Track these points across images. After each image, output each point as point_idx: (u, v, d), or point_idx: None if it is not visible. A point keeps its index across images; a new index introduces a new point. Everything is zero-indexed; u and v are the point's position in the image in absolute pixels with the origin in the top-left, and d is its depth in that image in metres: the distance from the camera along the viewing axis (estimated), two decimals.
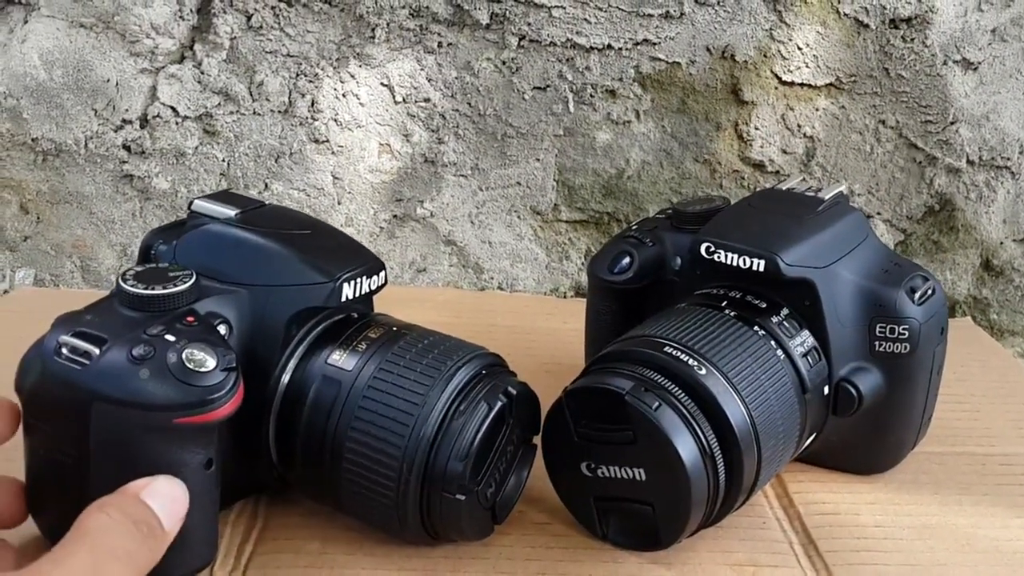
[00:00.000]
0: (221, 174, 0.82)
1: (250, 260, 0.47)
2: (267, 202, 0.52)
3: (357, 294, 0.48)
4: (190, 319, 0.43)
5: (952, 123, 0.84)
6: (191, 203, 0.50)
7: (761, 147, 0.84)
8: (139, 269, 0.45)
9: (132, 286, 0.43)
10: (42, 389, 0.42)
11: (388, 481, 0.44)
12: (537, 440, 0.49)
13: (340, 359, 0.46)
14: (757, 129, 0.84)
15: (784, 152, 0.85)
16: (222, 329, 0.45)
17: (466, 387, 0.45)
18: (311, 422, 0.46)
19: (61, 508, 0.42)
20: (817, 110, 0.84)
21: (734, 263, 0.52)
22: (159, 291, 0.43)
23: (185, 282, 0.44)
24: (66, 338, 0.41)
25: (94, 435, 0.41)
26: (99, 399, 0.40)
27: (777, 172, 0.85)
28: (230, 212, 0.49)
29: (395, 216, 0.85)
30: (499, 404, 0.45)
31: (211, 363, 0.41)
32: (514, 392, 0.46)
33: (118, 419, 0.40)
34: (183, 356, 0.41)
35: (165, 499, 0.39)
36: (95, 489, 0.41)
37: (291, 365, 0.47)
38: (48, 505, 0.44)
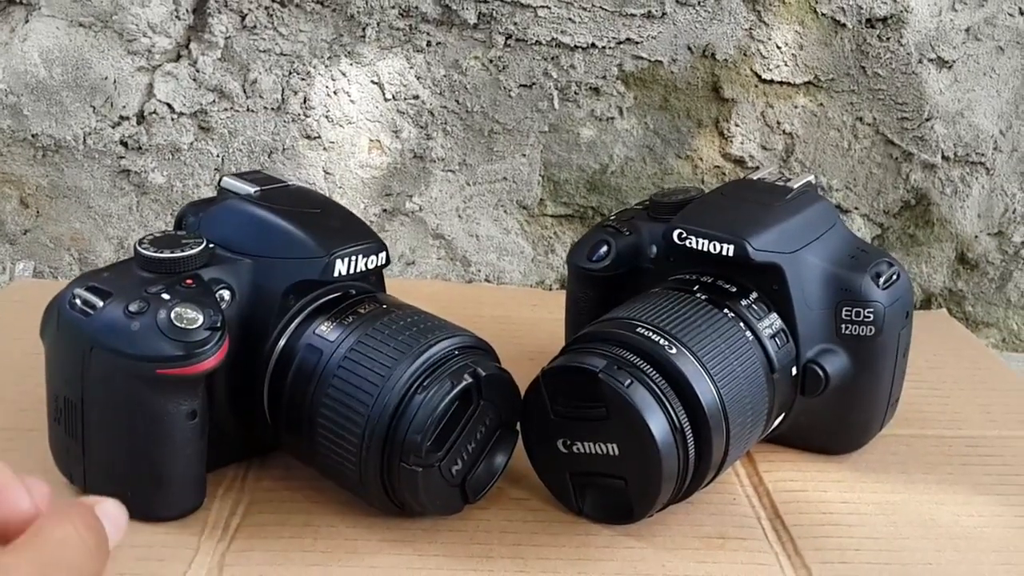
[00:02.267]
0: (215, 169, 0.84)
1: (255, 232, 0.50)
2: (291, 182, 0.55)
3: (351, 271, 0.50)
4: (189, 281, 0.46)
5: (927, 120, 0.86)
6: (220, 179, 0.54)
7: (741, 143, 0.86)
8: (157, 235, 0.49)
9: (145, 249, 0.47)
10: (56, 334, 0.46)
11: (352, 447, 0.46)
12: (513, 431, 0.50)
13: (327, 330, 0.49)
14: (737, 126, 0.86)
15: (764, 148, 0.87)
16: (225, 294, 0.48)
17: (435, 364, 0.46)
18: (294, 388, 0.48)
19: (67, 444, 0.48)
20: (796, 107, 0.86)
21: (705, 248, 0.54)
22: (166, 255, 0.47)
23: (193, 248, 0.48)
24: (79, 290, 0.46)
25: (90, 379, 0.45)
26: (97, 346, 0.44)
27: (757, 168, 0.86)
28: (250, 189, 0.52)
29: (385, 210, 0.86)
30: (463, 383, 0.46)
31: (198, 322, 0.45)
32: (483, 374, 0.46)
33: (111, 366, 0.44)
34: (172, 313, 0.44)
35: (111, 520, 0.38)
36: (89, 429, 0.46)
37: (286, 333, 0.49)
38: (58, 441, 0.48)
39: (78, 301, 0.45)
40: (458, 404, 0.46)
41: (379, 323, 0.48)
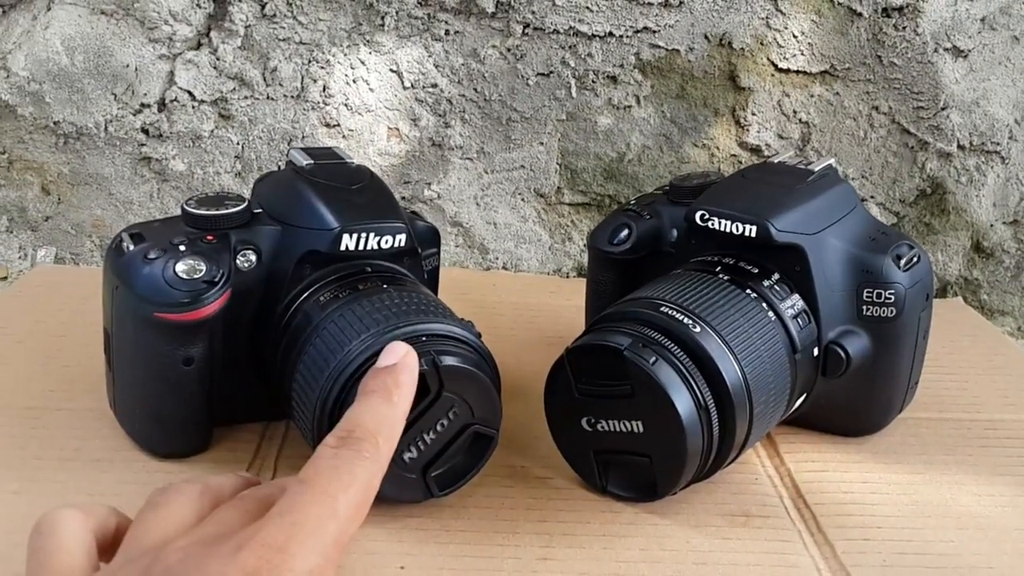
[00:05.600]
0: (236, 157, 0.84)
1: (285, 201, 0.52)
2: (354, 162, 0.56)
3: (362, 247, 0.51)
4: (210, 237, 0.49)
5: (943, 109, 0.86)
6: (289, 151, 0.56)
7: (758, 132, 0.87)
8: (208, 194, 0.51)
9: (189, 205, 0.50)
10: (105, 271, 0.50)
11: (308, 417, 0.46)
12: (491, 431, 0.47)
13: (323, 301, 0.49)
14: (754, 115, 0.86)
15: (780, 137, 0.87)
16: (252, 256, 0.50)
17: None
18: (285, 353, 0.49)
19: (107, 373, 0.52)
20: (812, 96, 0.86)
21: (727, 230, 0.54)
22: (201, 211, 0.50)
23: (228, 208, 0.50)
24: (125, 233, 0.50)
25: (116, 313, 0.49)
26: (120, 284, 0.48)
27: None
28: (304, 162, 0.54)
29: (403, 198, 0.87)
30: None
31: (198, 275, 0.47)
32: (443, 363, 0.44)
33: (125, 303, 0.48)
34: (180, 263, 0.47)
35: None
36: (115, 359, 0.50)
37: (298, 300, 0.50)
38: (105, 371, 0.53)
39: (122, 243, 0.49)
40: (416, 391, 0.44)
41: (366, 300, 0.48)
